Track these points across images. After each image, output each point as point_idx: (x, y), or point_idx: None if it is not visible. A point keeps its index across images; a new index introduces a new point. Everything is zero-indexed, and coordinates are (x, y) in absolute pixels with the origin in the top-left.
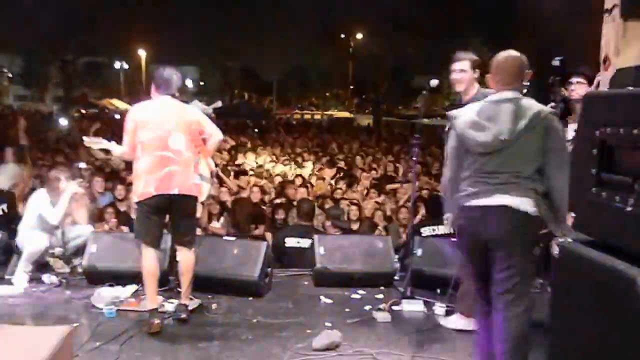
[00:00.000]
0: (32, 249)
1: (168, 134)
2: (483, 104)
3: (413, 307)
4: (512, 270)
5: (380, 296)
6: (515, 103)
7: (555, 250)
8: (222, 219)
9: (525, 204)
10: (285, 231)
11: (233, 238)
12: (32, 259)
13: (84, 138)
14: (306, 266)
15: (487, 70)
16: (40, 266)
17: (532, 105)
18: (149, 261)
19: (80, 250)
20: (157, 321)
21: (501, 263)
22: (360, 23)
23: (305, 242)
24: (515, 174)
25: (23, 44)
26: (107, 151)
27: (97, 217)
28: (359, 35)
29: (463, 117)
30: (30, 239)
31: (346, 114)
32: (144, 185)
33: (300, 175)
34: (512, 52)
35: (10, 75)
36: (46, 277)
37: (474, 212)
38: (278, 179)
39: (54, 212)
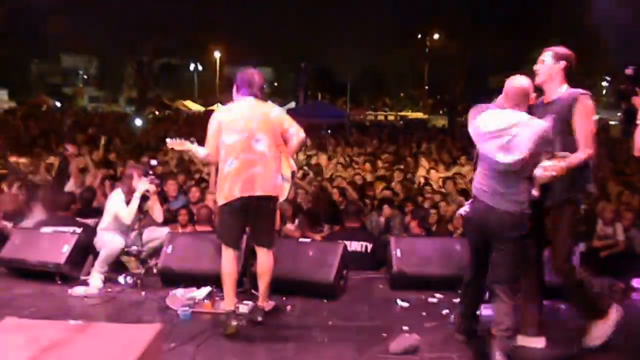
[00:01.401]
0: (108, 251)
1: (252, 137)
2: None
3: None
4: None
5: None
6: None
7: None
8: (296, 221)
9: None
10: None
11: (308, 240)
12: (108, 260)
13: (167, 140)
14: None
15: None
16: (116, 266)
17: None
18: (229, 263)
19: (156, 252)
20: (234, 323)
21: None
22: (437, 23)
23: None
24: None
25: (99, 45)
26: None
27: (169, 220)
28: (436, 36)
29: None
30: (107, 240)
31: (420, 115)
32: (229, 187)
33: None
34: (518, 79)
35: (85, 77)
36: (121, 278)
37: None
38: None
39: (126, 211)
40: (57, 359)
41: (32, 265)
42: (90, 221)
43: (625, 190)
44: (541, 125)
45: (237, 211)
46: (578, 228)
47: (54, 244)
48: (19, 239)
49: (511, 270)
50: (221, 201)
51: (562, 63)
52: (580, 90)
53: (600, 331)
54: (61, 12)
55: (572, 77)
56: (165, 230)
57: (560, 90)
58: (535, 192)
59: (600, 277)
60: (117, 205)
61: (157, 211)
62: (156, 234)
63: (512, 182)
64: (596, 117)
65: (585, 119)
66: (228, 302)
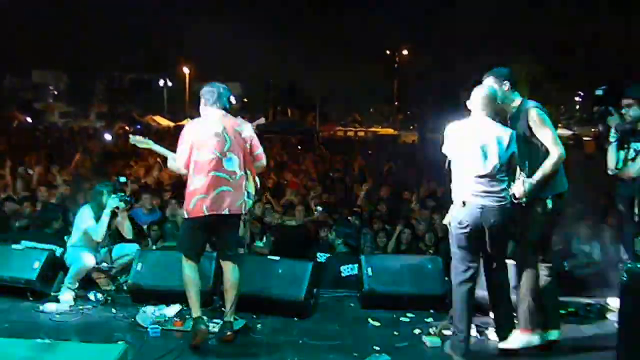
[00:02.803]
0: (78, 268)
1: (224, 155)
2: None
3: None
4: None
5: (430, 319)
6: None
7: None
8: (264, 239)
9: None
10: None
11: (277, 257)
12: (78, 276)
13: (131, 136)
14: None
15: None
16: (86, 283)
17: None
18: (191, 271)
19: (126, 269)
20: (202, 328)
21: None
22: (406, 39)
23: None
24: None
25: (68, 61)
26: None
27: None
28: (405, 52)
29: None
30: (77, 256)
31: (390, 131)
32: (197, 203)
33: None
34: (484, 86)
35: (55, 92)
36: (92, 295)
37: None
38: None
39: (96, 228)
40: None
41: (4, 280)
42: None
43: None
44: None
45: (202, 227)
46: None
47: (26, 259)
48: None
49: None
50: (186, 215)
51: (506, 84)
52: (532, 103)
53: (517, 339)
54: (32, 27)
55: (522, 87)
56: (135, 246)
57: (514, 106)
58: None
59: (575, 297)
60: (87, 222)
61: (126, 228)
62: (126, 250)
63: (497, 182)
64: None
65: (540, 126)
66: (195, 310)
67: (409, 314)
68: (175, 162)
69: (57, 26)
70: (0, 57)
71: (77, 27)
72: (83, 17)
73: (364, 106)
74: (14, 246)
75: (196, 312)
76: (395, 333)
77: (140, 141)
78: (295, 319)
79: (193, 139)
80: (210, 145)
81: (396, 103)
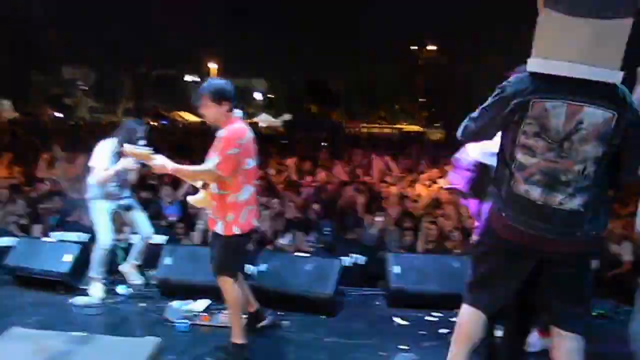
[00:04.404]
0: (97, 254)
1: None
2: None
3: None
4: None
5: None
6: None
7: None
8: (288, 236)
9: None
10: None
11: (305, 254)
12: (100, 263)
13: (125, 146)
14: None
15: None
16: (115, 276)
17: None
18: (240, 293)
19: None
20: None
21: None
22: (431, 34)
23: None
24: None
25: (97, 57)
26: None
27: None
28: (430, 47)
29: None
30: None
31: (416, 128)
32: (247, 217)
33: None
34: None
35: (85, 88)
36: (121, 288)
37: None
38: None
39: (105, 166)
40: None
41: (36, 273)
42: None
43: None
44: None
45: (249, 242)
46: None
47: (57, 253)
48: (23, 247)
49: None
50: (237, 231)
51: None
52: None
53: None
54: (62, 24)
55: None
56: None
57: None
58: None
59: (604, 298)
60: (101, 156)
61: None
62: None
63: None
64: None
65: None
66: (239, 336)
67: (435, 313)
68: (207, 167)
69: (87, 23)
70: (31, 54)
71: (105, 24)
72: (111, 14)
73: (389, 103)
74: (46, 239)
75: (238, 337)
76: (422, 332)
77: (137, 153)
78: (323, 316)
79: (245, 144)
80: (253, 152)
81: (421, 99)
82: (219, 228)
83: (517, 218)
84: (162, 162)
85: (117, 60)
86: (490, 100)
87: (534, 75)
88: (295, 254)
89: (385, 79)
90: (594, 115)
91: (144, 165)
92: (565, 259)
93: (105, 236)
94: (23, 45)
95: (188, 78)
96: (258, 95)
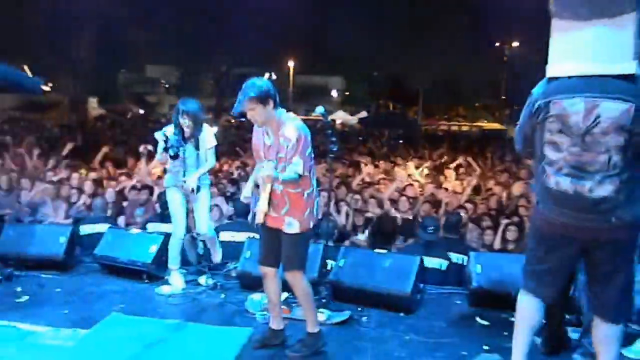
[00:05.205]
0: (171, 248)
1: None
2: None
3: (577, 334)
4: None
5: (543, 322)
6: None
7: None
8: (366, 232)
9: None
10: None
11: (384, 250)
12: (175, 255)
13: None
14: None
15: None
16: (197, 267)
17: None
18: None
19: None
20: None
21: None
22: (516, 30)
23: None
24: None
25: (180, 56)
26: None
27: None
28: (515, 44)
29: None
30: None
31: (497, 126)
32: (318, 209)
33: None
34: None
35: (167, 86)
36: (202, 279)
37: None
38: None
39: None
40: (159, 355)
41: (122, 263)
42: None
43: None
44: None
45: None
46: None
47: (143, 243)
48: (111, 237)
49: None
50: (310, 225)
51: None
52: None
53: None
54: (147, 24)
55: None
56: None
57: None
58: None
59: None
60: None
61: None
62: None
63: None
64: None
65: None
66: (311, 324)
67: None
68: (297, 172)
69: (170, 22)
70: (118, 54)
71: (187, 23)
72: (192, 14)
73: (470, 100)
74: (131, 230)
75: (316, 327)
76: (505, 333)
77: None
78: (401, 314)
79: (309, 140)
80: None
81: (504, 97)
82: (293, 227)
83: (553, 210)
84: (269, 172)
85: (198, 59)
86: (523, 110)
87: (553, 78)
88: (375, 250)
89: (466, 76)
90: (610, 109)
91: None
92: (603, 246)
93: (177, 226)
94: (110, 45)
95: (266, 76)
96: (335, 93)
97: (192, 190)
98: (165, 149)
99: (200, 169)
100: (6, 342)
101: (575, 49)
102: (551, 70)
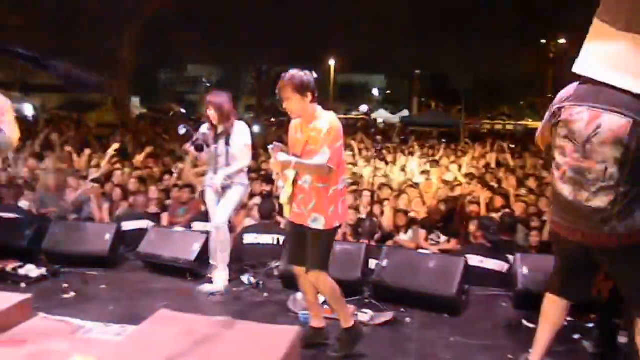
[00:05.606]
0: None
1: None
2: None
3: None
4: None
5: (591, 325)
6: None
7: None
8: (409, 232)
9: None
10: None
11: (428, 251)
12: (213, 253)
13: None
14: None
15: None
16: (239, 266)
17: None
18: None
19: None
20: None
21: None
22: (562, 26)
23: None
24: None
25: (221, 55)
26: None
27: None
28: (562, 40)
29: None
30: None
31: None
32: (344, 207)
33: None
34: None
35: (208, 84)
36: (244, 278)
37: None
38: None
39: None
40: (209, 351)
41: (165, 260)
42: None
43: None
44: None
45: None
46: None
47: (186, 242)
48: (154, 235)
49: None
50: (336, 224)
51: None
52: None
53: None
54: (189, 23)
55: None
56: None
57: None
58: None
59: None
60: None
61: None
62: None
63: None
64: None
65: None
66: (344, 319)
67: (567, 318)
68: (322, 162)
69: (211, 22)
70: (160, 53)
71: (229, 23)
72: (233, 13)
73: (515, 98)
74: (174, 228)
75: (350, 321)
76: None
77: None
78: (446, 315)
79: (342, 134)
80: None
81: (550, 95)
82: (318, 223)
83: (558, 213)
84: (286, 157)
85: (239, 57)
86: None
87: (577, 84)
88: (419, 251)
89: (511, 74)
90: (611, 121)
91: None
92: (602, 251)
93: (214, 231)
94: (153, 45)
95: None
96: (375, 91)
97: (218, 190)
98: (193, 142)
99: (230, 167)
100: (57, 336)
101: (600, 51)
102: (577, 67)
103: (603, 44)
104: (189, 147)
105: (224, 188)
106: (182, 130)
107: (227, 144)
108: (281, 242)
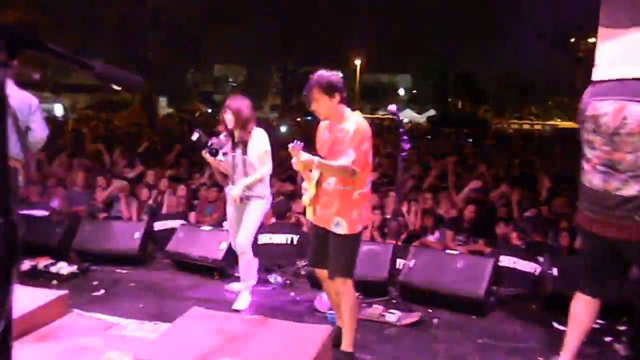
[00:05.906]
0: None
1: None
2: None
3: None
4: None
5: (623, 327)
6: None
7: None
8: (436, 233)
9: None
10: None
11: (456, 252)
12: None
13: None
14: None
15: None
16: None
17: None
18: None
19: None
20: None
21: None
22: (591, 26)
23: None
24: None
25: (247, 55)
26: None
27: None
28: (592, 39)
29: None
30: None
31: (571, 124)
32: (368, 210)
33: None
34: None
35: (234, 84)
36: (272, 277)
37: None
38: None
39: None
40: (241, 349)
41: (194, 259)
42: None
43: None
44: None
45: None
46: None
47: (214, 240)
48: (183, 234)
49: None
50: (360, 228)
51: None
52: None
53: None
54: (215, 23)
55: None
56: None
57: None
58: None
59: None
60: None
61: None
62: None
63: None
64: None
65: None
66: (348, 343)
67: (599, 321)
68: (347, 163)
69: (237, 21)
70: (187, 53)
71: (254, 22)
72: (258, 13)
73: (543, 98)
74: (203, 227)
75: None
76: (584, 339)
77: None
78: (474, 316)
79: (370, 137)
80: None
81: (578, 95)
82: (340, 227)
83: (586, 206)
84: (309, 157)
85: (265, 57)
86: None
87: (597, 81)
88: (446, 251)
89: (539, 73)
90: (636, 111)
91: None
92: (629, 244)
93: (231, 236)
94: (179, 45)
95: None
96: (402, 91)
97: (235, 201)
98: (208, 147)
99: (249, 177)
100: (91, 332)
101: (617, 52)
102: (595, 75)
103: (613, 46)
104: (205, 153)
105: (243, 200)
106: (195, 136)
107: (244, 153)
108: (295, 242)
